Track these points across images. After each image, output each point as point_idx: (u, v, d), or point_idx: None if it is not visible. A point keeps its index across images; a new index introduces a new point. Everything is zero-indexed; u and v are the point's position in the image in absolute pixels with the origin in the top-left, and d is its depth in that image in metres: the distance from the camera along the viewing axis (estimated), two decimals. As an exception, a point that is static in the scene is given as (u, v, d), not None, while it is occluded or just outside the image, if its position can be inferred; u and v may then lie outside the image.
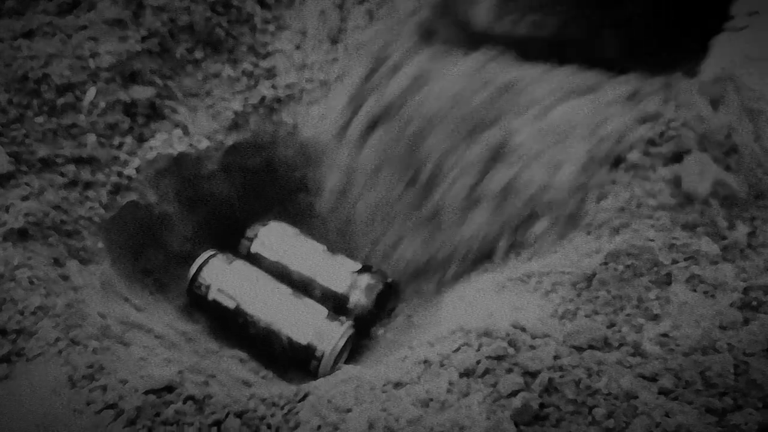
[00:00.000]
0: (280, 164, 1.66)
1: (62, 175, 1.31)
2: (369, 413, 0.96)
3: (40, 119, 1.32)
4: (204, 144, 1.51)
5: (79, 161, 1.33)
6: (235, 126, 1.57)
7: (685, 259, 1.10)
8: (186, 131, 1.49)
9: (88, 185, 1.32)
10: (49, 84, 1.35)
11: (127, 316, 1.25)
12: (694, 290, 1.06)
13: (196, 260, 1.43)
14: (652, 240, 1.13)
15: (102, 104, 1.39)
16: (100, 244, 1.29)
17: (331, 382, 1.06)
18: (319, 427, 0.96)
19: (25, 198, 1.21)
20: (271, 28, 1.68)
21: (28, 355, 1.00)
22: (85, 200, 1.31)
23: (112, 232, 1.35)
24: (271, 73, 1.65)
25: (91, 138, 1.35)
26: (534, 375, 0.97)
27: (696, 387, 0.93)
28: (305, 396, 1.03)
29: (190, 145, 1.49)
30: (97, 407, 0.93)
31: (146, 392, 0.98)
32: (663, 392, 0.94)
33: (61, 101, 1.35)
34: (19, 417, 0.93)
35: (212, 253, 1.45)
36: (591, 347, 1.03)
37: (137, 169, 1.39)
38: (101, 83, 1.40)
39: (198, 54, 1.58)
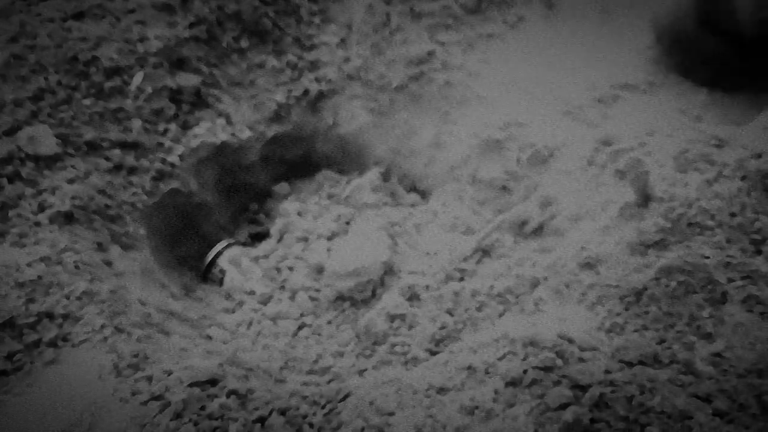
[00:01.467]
0: (319, 158, 1.65)
1: (107, 159, 1.30)
2: (414, 419, 0.94)
3: (87, 102, 1.32)
4: (246, 134, 1.50)
5: (124, 146, 1.32)
6: (277, 117, 1.56)
7: (742, 278, 1.07)
8: (229, 120, 1.48)
9: (132, 170, 1.32)
10: (97, 66, 1.35)
11: (165, 304, 1.25)
12: (750, 311, 1.04)
13: (215, 247, 1.43)
14: (707, 257, 1.10)
15: (149, 89, 1.38)
16: (142, 231, 1.29)
17: (372, 383, 1.04)
18: (363, 429, 0.95)
19: (71, 181, 1.21)
20: (317, 20, 1.67)
21: (74, 340, 0.99)
22: (129, 185, 1.30)
23: (153, 218, 1.35)
24: (314, 66, 1.63)
25: (137, 123, 1.35)
26: (584, 389, 0.95)
27: (752, 411, 0.91)
28: (346, 396, 1.02)
29: (233, 134, 1.48)
30: (143, 398, 0.93)
31: (190, 384, 0.97)
32: (718, 414, 0.91)
33: (108, 84, 1.35)
34: (66, 402, 0.92)
35: (231, 241, 1.45)
36: (641, 363, 1.00)
37: (180, 157, 1.39)
38: (149, 68, 1.39)
39: (244, 43, 1.56)
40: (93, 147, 1.29)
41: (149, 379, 0.96)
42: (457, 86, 1.66)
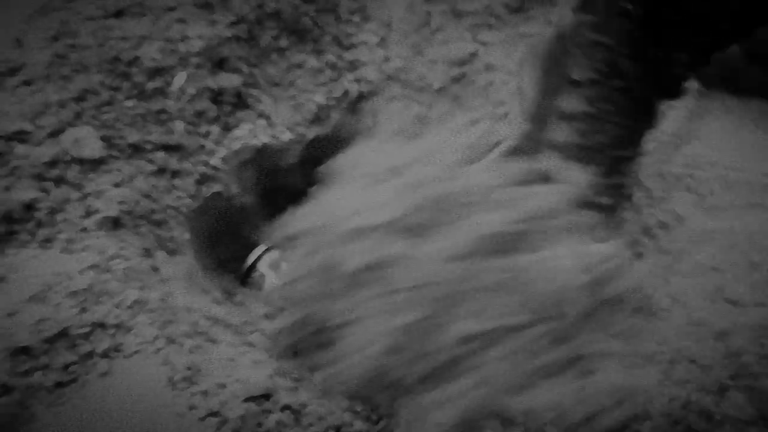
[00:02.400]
0: (357, 160, 1.61)
1: (151, 162, 1.28)
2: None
3: (130, 103, 1.29)
4: (286, 136, 1.47)
5: (167, 148, 1.30)
6: (317, 119, 1.53)
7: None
8: (270, 122, 1.45)
9: (175, 173, 1.29)
10: (139, 67, 1.32)
11: (210, 310, 1.22)
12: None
13: (255, 250, 1.41)
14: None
15: (191, 90, 1.35)
16: (187, 235, 1.27)
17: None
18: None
19: (117, 185, 1.19)
20: (357, 18, 1.63)
21: (126, 351, 0.97)
22: (173, 189, 1.28)
23: (195, 222, 1.32)
24: (354, 66, 1.60)
25: (179, 125, 1.32)
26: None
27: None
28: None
29: (273, 136, 1.45)
30: (200, 413, 0.91)
31: (245, 399, 0.95)
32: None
33: (150, 85, 1.32)
34: (123, 415, 0.91)
35: (270, 245, 1.43)
36: None
37: (223, 159, 1.36)
38: (190, 68, 1.37)
39: (283, 42, 1.53)
40: (137, 149, 1.26)
41: (205, 393, 0.94)
42: (500, 87, 1.62)
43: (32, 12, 1.41)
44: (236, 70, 1.45)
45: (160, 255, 1.20)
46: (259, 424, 0.93)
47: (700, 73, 1.53)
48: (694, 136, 1.56)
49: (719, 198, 1.48)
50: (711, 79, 1.65)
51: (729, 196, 1.48)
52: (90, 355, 0.95)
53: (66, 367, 0.93)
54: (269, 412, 0.96)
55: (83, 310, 0.98)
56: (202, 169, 1.34)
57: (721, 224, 1.40)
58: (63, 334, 0.95)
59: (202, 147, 1.35)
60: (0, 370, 0.88)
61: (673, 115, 1.55)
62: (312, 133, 1.53)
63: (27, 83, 1.27)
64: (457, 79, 1.62)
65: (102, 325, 0.98)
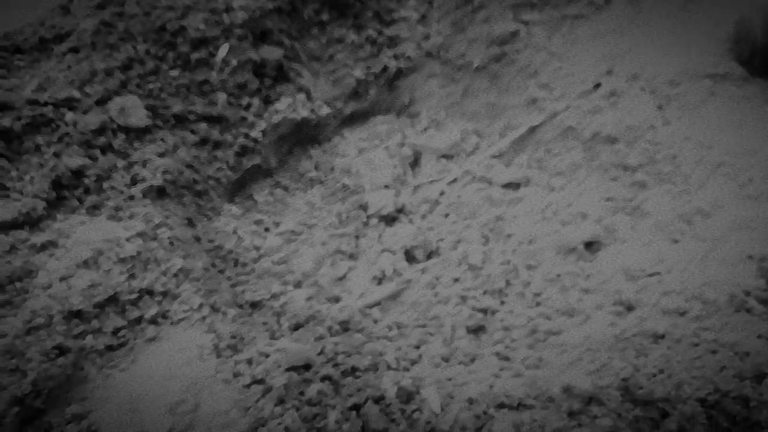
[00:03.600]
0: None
1: (193, 132, 1.29)
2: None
3: (174, 73, 1.30)
4: (324, 111, 1.47)
5: (209, 119, 1.31)
6: (355, 94, 1.53)
7: None
8: (309, 96, 1.45)
9: (217, 145, 1.30)
10: (184, 37, 1.32)
11: (247, 281, 1.24)
12: None
13: None
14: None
15: (233, 62, 1.35)
16: (227, 206, 1.28)
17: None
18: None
19: (161, 154, 1.20)
20: (398, -7, 1.61)
21: (173, 318, 1.00)
22: (214, 160, 1.29)
23: (234, 194, 1.34)
24: (393, 42, 1.59)
25: (222, 96, 1.33)
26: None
27: None
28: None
29: (312, 110, 1.45)
30: (245, 380, 0.93)
31: (288, 369, 0.97)
32: None
33: (195, 56, 1.33)
34: (169, 380, 0.93)
35: None
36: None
37: (263, 132, 1.37)
38: (233, 40, 1.37)
39: (324, 16, 1.52)
40: (180, 120, 1.28)
41: (249, 362, 0.96)
42: (541, 68, 1.60)
43: (78, -21, 1.42)
44: (278, 43, 1.45)
45: (202, 224, 1.21)
46: (302, 393, 0.95)
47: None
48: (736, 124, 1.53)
49: (758, 186, 1.45)
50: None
51: (768, 186, 1.45)
52: (138, 320, 0.98)
53: (116, 331, 0.95)
54: (310, 381, 0.98)
55: (132, 276, 1.01)
56: (243, 141, 1.34)
57: (760, 213, 1.37)
58: (113, 299, 0.97)
59: (243, 119, 1.36)
60: (56, 332, 0.91)
61: None
62: (349, 108, 1.53)
63: (74, 50, 1.28)
64: (497, 59, 1.60)
65: (150, 292, 1.01)
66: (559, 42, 1.63)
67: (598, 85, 1.59)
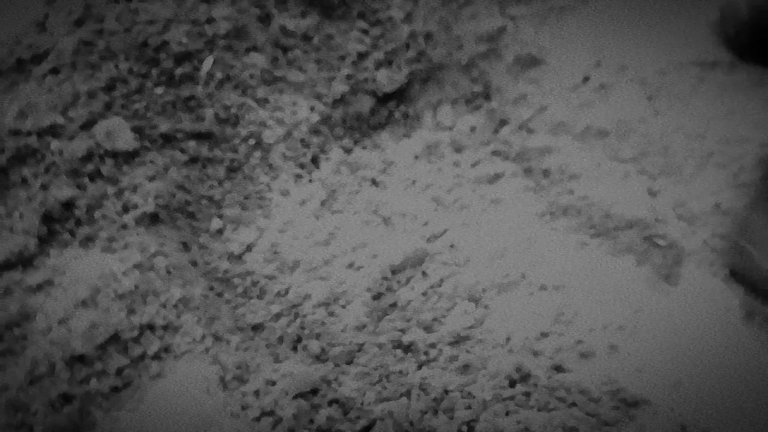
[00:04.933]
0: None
1: (182, 151, 1.26)
2: None
3: (159, 90, 1.27)
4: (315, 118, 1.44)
5: (198, 136, 1.28)
6: (342, 100, 1.50)
7: None
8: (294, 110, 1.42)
9: (207, 162, 1.28)
10: (167, 52, 1.29)
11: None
12: None
13: None
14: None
15: (218, 75, 1.32)
16: (219, 224, 1.27)
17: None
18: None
19: (151, 178, 1.18)
20: (382, -8, 1.58)
21: (176, 351, 0.99)
22: (206, 178, 1.27)
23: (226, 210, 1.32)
24: (379, 43, 1.56)
25: (209, 112, 1.30)
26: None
27: None
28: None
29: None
30: (254, 413, 0.93)
31: (295, 396, 0.98)
32: None
33: (179, 71, 1.29)
34: (175, 416, 0.93)
35: None
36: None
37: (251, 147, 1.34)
38: (218, 51, 1.33)
39: (311, 20, 1.49)
40: (168, 139, 1.25)
41: (256, 393, 0.96)
42: (529, 63, 1.59)
43: (50, -8, 1.37)
44: (261, 51, 1.41)
45: (196, 248, 1.20)
46: (311, 421, 0.95)
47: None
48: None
49: (750, 174, 1.46)
50: None
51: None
52: (142, 357, 0.97)
53: (120, 371, 0.95)
54: (319, 407, 0.98)
55: (131, 312, 1.00)
56: (232, 155, 1.32)
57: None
58: (115, 338, 0.96)
59: (233, 134, 1.33)
60: (60, 379, 0.90)
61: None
62: (338, 114, 1.50)
63: (54, 71, 1.24)
64: (485, 55, 1.58)
65: (151, 327, 1.00)
66: (546, 36, 1.61)
67: (587, 78, 1.58)
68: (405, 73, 1.52)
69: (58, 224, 1.08)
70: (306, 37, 1.49)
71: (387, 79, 1.47)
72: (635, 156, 1.46)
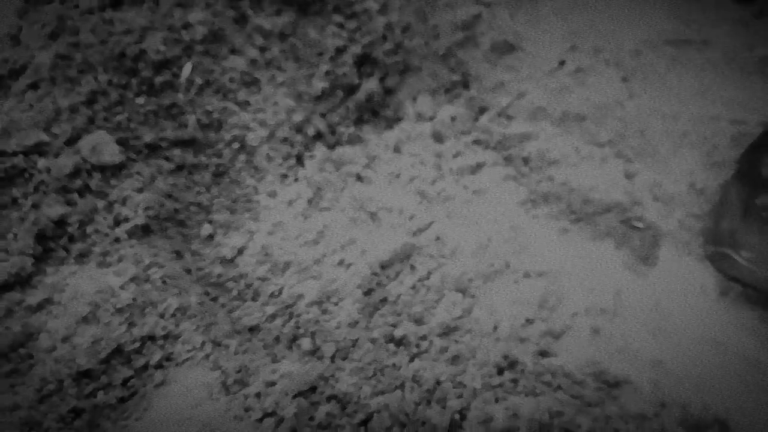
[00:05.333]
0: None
1: (168, 159, 1.28)
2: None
3: (140, 100, 1.28)
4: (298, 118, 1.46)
5: (182, 144, 1.30)
6: (323, 95, 1.52)
7: None
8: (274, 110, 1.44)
9: (193, 168, 1.30)
10: (145, 61, 1.29)
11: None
12: None
13: None
14: None
15: (198, 80, 1.33)
16: (210, 230, 1.29)
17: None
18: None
19: (139, 189, 1.20)
20: (355, -16, 1.58)
21: (178, 359, 1.03)
22: (192, 185, 1.29)
23: (215, 215, 1.34)
24: (355, 36, 1.57)
25: (191, 118, 1.31)
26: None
27: None
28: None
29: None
30: (256, 415, 0.98)
31: (295, 395, 1.02)
32: None
33: (159, 79, 1.30)
34: (181, 422, 0.97)
35: None
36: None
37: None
38: (196, 57, 1.34)
39: (287, 18, 1.49)
40: (153, 149, 1.26)
41: (258, 395, 1.00)
42: (506, 49, 1.61)
43: (22, 4, 1.36)
44: (240, 53, 1.42)
45: (189, 255, 1.22)
46: (312, 418, 1.00)
47: None
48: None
49: (723, 153, 1.50)
50: None
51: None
52: (145, 367, 1.01)
53: (125, 382, 0.98)
54: (318, 404, 1.03)
55: (131, 324, 1.03)
56: (217, 161, 1.34)
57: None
58: (117, 351, 0.99)
59: (217, 139, 1.35)
60: (68, 395, 0.93)
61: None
62: (321, 108, 1.52)
63: (34, 87, 1.24)
64: (461, 44, 1.60)
65: (152, 338, 1.03)
66: (522, 21, 1.63)
67: (562, 63, 1.61)
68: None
69: (52, 242, 1.10)
70: (283, 36, 1.50)
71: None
72: (612, 139, 1.49)
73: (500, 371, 1.11)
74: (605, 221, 1.34)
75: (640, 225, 1.34)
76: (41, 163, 1.15)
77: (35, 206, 1.11)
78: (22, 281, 1.05)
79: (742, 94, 1.57)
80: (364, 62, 1.58)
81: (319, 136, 1.48)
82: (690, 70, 1.60)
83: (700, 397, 1.10)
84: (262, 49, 1.46)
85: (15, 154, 1.14)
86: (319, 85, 1.52)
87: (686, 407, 1.08)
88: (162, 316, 1.06)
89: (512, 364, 1.11)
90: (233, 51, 1.42)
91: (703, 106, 1.54)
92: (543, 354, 1.14)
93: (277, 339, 1.16)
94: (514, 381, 1.09)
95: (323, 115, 1.52)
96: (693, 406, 1.08)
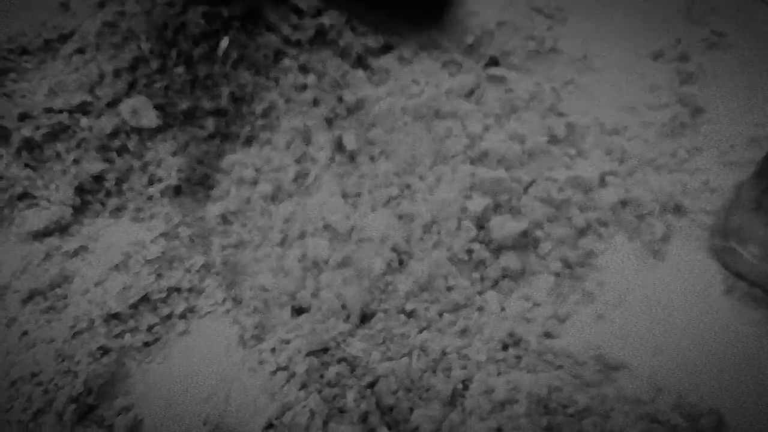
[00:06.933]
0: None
1: (201, 128, 1.34)
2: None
3: (179, 70, 1.34)
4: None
5: (216, 113, 1.36)
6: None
7: None
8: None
9: (225, 137, 1.36)
10: (185, 33, 1.36)
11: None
12: None
13: None
14: None
15: (234, 55, 1.39)
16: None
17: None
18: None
19: (174, 153, 1.26)
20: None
21: (200, 312, 1.09)
22: (223, 153, 1.35)
23: (244, 184, 1.40)
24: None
25: (225, 90, 1.37)
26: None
27: None
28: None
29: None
30: (270, 368, 1.03)
31: (308, 354, 1.08)
32: None
33: (197, 52, 1.36)
34: (202, 371, 1.03)
35: None
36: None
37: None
38: (233, 32, 1.40)
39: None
40: (188, 116, 1.33)
41: (272, 350, 1.06)
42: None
43: (74, -26, 1.43)
44: (274, 30, 1.48)
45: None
46: (322, 376, 1.05)
47: None
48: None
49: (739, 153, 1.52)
50: None
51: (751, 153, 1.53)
52: (169, 316, 1.07)
53: (150, 328, 1.05)
54: (328, 364, 1.09)
55: (159, 276, 1.09)
56: (248, 131, 1.40)
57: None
58: (145, 299, 1.06)
59: (247, 111, 1.41)
60: (98, 334, 1.00)
61: None
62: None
63: (80, 51, 1.32)
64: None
65: (177, 290, 1.09)
66: None
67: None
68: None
69: (90, 195, 1.18)
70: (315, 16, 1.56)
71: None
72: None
73: (505, 347, 1.15)
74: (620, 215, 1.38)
75: (653, 220, 1.37)
76: (84, 121, 1.22)
77: (76, 161, 1.19)
78: (61, 229, 1.12)
79: (762, 96, 1.60)
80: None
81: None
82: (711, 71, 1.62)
83: (696, 387, 1.13)
84: (295, 28, 1.52)
85: (60, 111, 1.21)
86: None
87: (682, 395, 1.11)
88: (188, 270, 1.12)
89: (517, 342, 1.16)
90: (268, 29, 1.47)
91: (724, 107, 1.57)
92: (547, 335, 1.19)
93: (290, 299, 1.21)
94: (518, 357, 1.13)
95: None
96: (689, 395, 1.11)
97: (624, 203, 1.42)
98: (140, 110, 1.26)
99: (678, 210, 1.41)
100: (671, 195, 1.42)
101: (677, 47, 1.62)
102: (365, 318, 1.19)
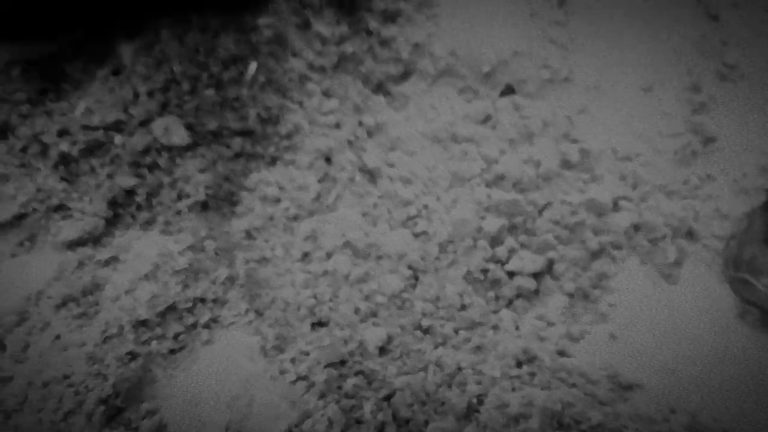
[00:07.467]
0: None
1: (228, 147, 1.40)
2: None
3: (209, 92, 1.41)
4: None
5: (242, 134, 1.42)
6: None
7: None
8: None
9: (250, 157, 1.42)
10: (216, 57, 1.42)
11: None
12: None
13: None
14: None
15: (261, 79, 1.46)
16: (261, 213, 1.40)
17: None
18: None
19: (202, 170, 1.32)
20: None
21: (224, 322, 1.13)
22: (249, 172, 1.40)
23: (266, 202, 1.45)
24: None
25: (252, 112, 1.43)
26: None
27: None
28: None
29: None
30: (290, 377, 1.07)
31: (326, 366, 1.11)
32: None
33: (226, 75, 1.43)
34: (226, 378, 1.07)
35: None
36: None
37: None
38: (261, 57, 1.47)
39: (342, 29, 1.62)
40: (216, 136, 1.39)
41: (293, 360, 1.09)
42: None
43: (112, 1, 1.51)
44: (299, 56, 1.55)
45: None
46: (340, 387, 1.08)
47: None
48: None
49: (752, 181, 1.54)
50: None
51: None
52: (194, 325, 1.11)
53: (176, 336, 1.09)
54: (346, 376, 1.11)
55: (186, 287, 1.14)
56: (273, 152, 1.45)
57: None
58: (172, 308, 1.10)
59: (272, 132, 1.46)
60: (127, 339, 1.04)
61: None
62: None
63: (115, 73, 1.39)
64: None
65: (202, 300, 1.14)
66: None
67: None
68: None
69: (122, 208, 1.23)
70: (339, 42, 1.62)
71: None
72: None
73: (519, 364, 1.17)
74: (633, 239, 1.41)
75: (665, 245, 1.40)
76: (118, 139, 1.28)
77: (110, 176, 1.24)
78: (94, 239, 1.17)
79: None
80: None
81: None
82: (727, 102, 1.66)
83: (709, 409, 1.15)
84: (319, 54, 1.59)
85: (96, 128, 1.27)
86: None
87: (695, 416, 1.12)
88: (213, 282, 1.16)
89: (531, 359, 1.18)
90: (294, 54, 1.54)
91: (739, 135, 1.60)
92: (561, 353, 1.21)
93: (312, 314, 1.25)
94: (532, 374, 1.15)
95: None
96: (702, 416, 1.13)
97: (637, 227, 1.45)
98: (171, 129, 1.32)
99: (690, 235, 1.44)
100: (683, 220, 1.45)
101: (689, 78, 1.67)
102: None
